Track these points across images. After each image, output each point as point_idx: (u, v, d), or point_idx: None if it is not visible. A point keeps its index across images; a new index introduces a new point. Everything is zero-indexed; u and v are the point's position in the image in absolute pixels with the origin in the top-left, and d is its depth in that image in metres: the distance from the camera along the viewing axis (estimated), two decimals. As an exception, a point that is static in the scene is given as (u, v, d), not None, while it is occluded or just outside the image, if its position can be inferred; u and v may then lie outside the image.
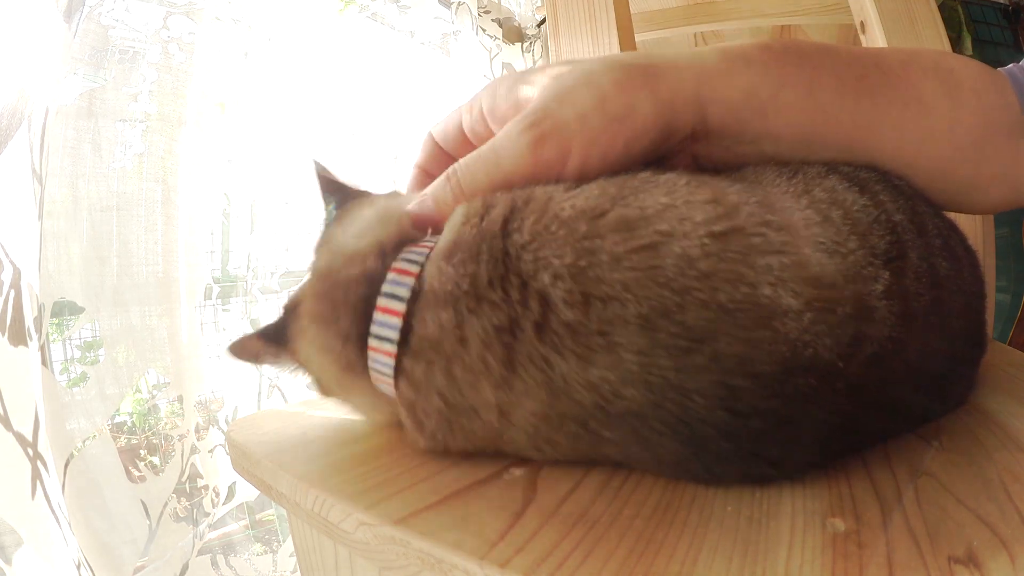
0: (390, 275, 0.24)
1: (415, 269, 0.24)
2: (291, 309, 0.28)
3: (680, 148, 0.29)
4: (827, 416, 0.21)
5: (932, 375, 0.25)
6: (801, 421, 0.21)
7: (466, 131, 0.32)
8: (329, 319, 0.26)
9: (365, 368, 0.25)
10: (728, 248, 0.21)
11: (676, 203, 0.22)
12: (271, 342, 0.28)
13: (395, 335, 0.24)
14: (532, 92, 0.28)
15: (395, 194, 0.32)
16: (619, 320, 0.20)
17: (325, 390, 0.29)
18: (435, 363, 0.23)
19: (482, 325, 0.22)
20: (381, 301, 0.24)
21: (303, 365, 0.28)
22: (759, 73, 0.28)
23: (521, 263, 0.22)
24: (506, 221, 0.23)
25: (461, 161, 0.28)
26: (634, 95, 0.26)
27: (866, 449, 0.25)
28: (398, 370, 0.24)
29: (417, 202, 0.28)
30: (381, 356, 0.24)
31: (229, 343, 0.29)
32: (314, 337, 0.26)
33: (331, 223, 0.30)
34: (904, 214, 0.26)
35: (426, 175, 0.34)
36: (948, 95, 0.30)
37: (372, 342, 0.24)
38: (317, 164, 0.34)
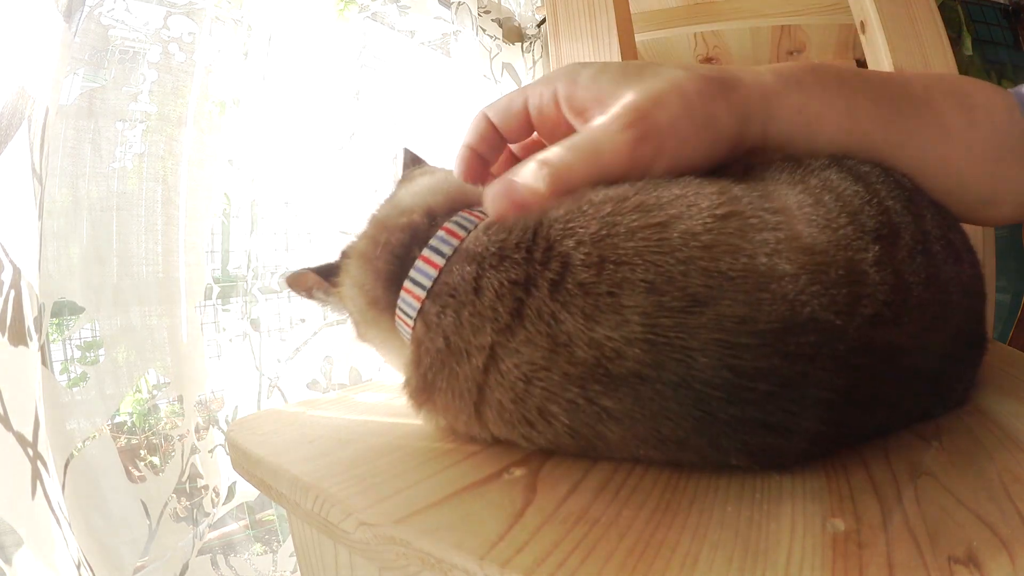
0: (439, 232, 0.28)
1: (462, 233, 0.28)
2: (346, 252, 0.32)
3: (739, 158, 0.31)
4: (830, 378, 0.22)
5: (932, 362, 0.25)
6: (805, 385, 0.22)
7: (532, 112, 0.32)
8: (369, 256, 0.30)
9: (388, 306, 0.29)
10: (728, 226, 0.23)
11: (687, 193, 0.25)
12: (323, 277, 0.32)
13: (428, 283, 0.27)
14: (617, 90, 0.29)
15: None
16: (627, 283, 0.22)
17: (356, 327, 0.33)
18: (449, 306, 0.26)
19: (498, 278, 0.25)
20: (425, 252, 0.27)
21: (342, 300, 0.32)
22: (807, 94, 0.30)
23: (551, 231, 0.25)
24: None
25: (554, 150, 0.28)
26: (715, 105, 0.28)
27: (865, 443, 0.25)
28: (419, 312, 0.27)
29: (502, 189, 0.28)
30: (410, 298, 0.27)
31: (287, 274, 0.34)
32: (354, 272, 0.30)
33: (399, 183, 0.35)
34: (898, 201, 0.27)
35: (476, 155, 0.33)
36: (965, 116, 0.33)
37: (407, 284, 0.28)
38: (406, 149, 0.39)
